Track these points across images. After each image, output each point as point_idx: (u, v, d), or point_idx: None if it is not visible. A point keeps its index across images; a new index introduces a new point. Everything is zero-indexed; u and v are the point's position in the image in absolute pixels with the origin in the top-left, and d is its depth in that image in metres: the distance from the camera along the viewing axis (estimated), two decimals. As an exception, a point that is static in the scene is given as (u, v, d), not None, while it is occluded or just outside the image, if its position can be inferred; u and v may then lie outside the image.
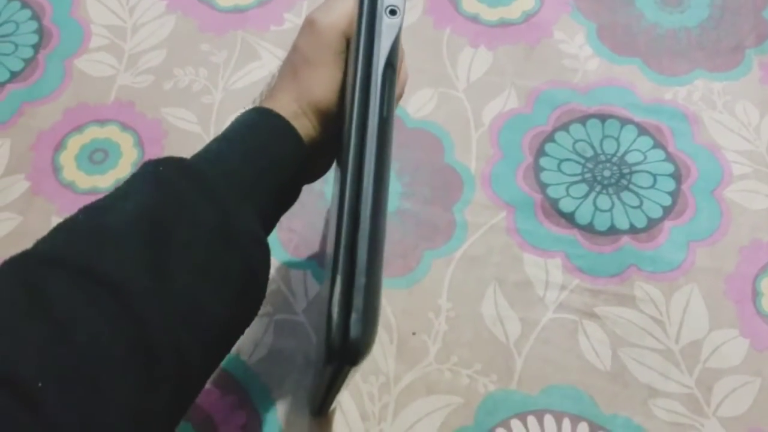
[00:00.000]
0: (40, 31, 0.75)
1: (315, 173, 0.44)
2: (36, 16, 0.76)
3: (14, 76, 0.72)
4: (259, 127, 0.40)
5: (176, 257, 0.32)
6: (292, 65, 0.41)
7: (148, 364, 0.30)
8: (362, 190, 0.31)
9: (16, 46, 0.74)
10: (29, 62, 0.73)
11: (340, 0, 0.40)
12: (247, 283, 0.36)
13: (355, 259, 0.30)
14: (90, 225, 0.33)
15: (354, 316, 0.29)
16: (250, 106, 0.42)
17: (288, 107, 0.40)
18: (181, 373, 0.31)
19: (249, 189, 0.37)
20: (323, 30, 0.39)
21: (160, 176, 0.35)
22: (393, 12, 0.35)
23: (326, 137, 0.41)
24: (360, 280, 0.29)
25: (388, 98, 0.34)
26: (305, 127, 0.40)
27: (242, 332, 0.37)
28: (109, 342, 0.29)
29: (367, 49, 0.34)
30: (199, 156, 0.38)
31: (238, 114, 0.41)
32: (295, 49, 0.41)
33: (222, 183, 0.36)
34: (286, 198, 0.41)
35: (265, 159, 0.39)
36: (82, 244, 0.31)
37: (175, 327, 0.31)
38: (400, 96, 0.44)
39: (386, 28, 0.35)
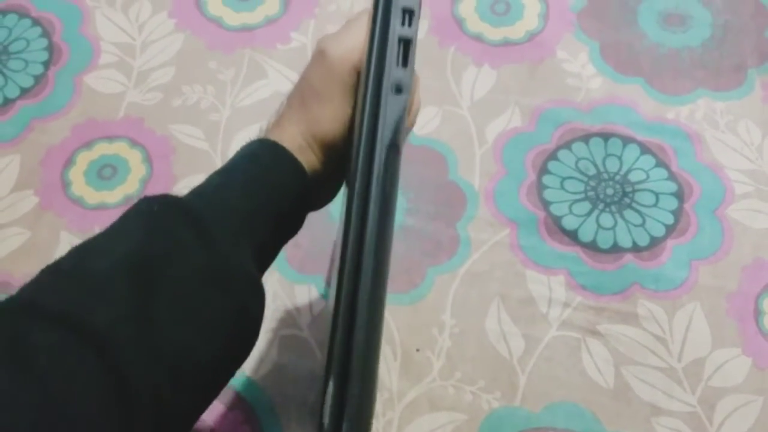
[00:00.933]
0: (50, 48, 0.76)
1: (319, 202, 0.44)
2: (46, 34, 0.77)
3: (24, 92, 0.73)
4: (262, 160, 0.39)
5: (163, 302, 0.32)
6: (301, 96, 0.40)
7: (128, 416, 0.29)
8: (360, 285, 0.30)
9: (27, 62, 0.75)
10: (39, 79, 0.74)
11: (351, 30, 0.39)
12: (238, 325, 0.35)
13: (349, 368, 0.29)
14: (77, 269, 0.32)
15: (346, 426, 0.28)
16: (257, 135, 0.41)
17: (294, 139, 0.40)
18: (163, 422, 0.31)
19: (247, 225, 0.37)
20: (334, 63, 0.38)
21: (153, 216, 0.35)
22: (399, 90, 0.33)
23: (331, 169, 0.41)
24: (354, 388, 0.28)
25: (391, 179, 0.32)
26: (310, 161, 0.40)
27: (233, 374, 0.37)
28: (87, 395, 0.28)
29: (370, 127, 0.32)
30: (197, 192, 0.38)
31: (244, 144, 0.41)
32: (304, 79, 0.40)
33: (217, 223, 0.35)
34: (288, 229, 0.41)
35: (266, 193, 0.38)
36: (67, 290, 0.31)
37: (157, 376, 0.31)
38: (412, 124, 0.43)
39: (391, 106, 0.33)
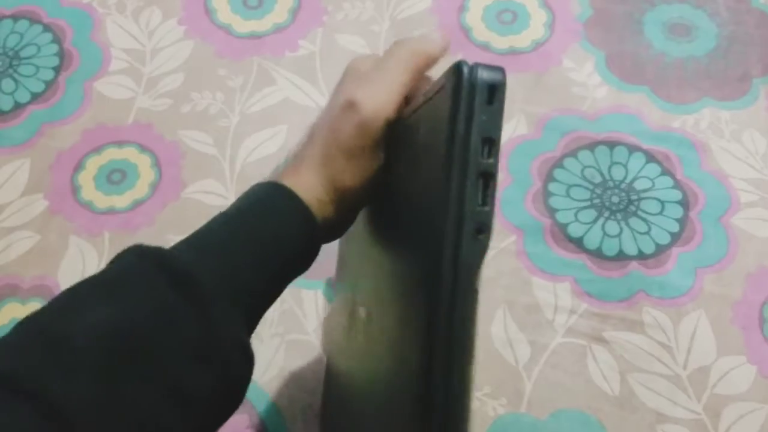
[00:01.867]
0: (61, 54, 0.77)
1: (328, 240, 0.43)
2: (57, 39, 0.78)
3: (35, 97, 0.74)
4: (272, 209, 0.38)
5: (141, 375, 0.31)
6: (326, 146, 0.39)
7: None
8: None
9: (38, 68, 0.76)
10: (50, 84, 0.75)
11: (385, 78, 0.38)
12: (221, 397, 0.34)
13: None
14: (53, 330, 0.31)
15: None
16: (271, 175, 0.40)
17: (313, 191, 0.39)
18: None
19: (247, 282, 0.36)
20: (366, 120, 0.37)
21: (144, 277, 0.33)
22: (479, 231, 0.30)
23: (344, 215, 0.40)
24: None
25: (469, 325, 0.30)
26: (326, 212, 0.39)
27: None
28: None
29: (450, 272, 0.30)
30: (197, 244, 0.36)
31: (257, 183, 0.40)
32: (331, 131, 0.39)
33: (214, 284, 0.34)
34: (293, 275, 0.40)
35: (272, 247, 0.37)
36: (36, 356, 0.30)
37: None
38: None
39: (471, 250, 0.30)
